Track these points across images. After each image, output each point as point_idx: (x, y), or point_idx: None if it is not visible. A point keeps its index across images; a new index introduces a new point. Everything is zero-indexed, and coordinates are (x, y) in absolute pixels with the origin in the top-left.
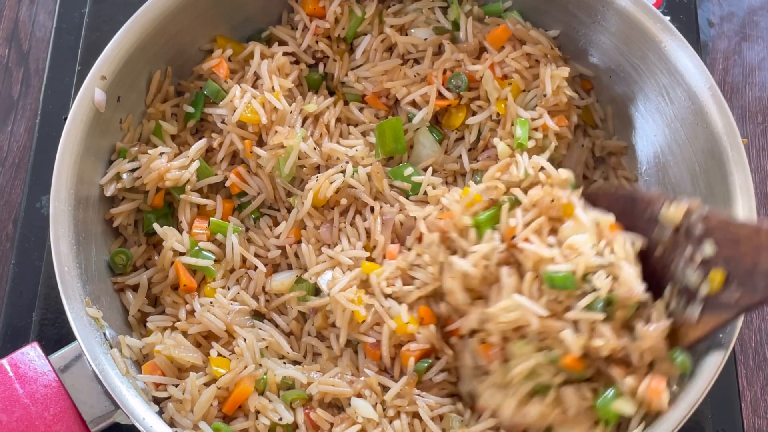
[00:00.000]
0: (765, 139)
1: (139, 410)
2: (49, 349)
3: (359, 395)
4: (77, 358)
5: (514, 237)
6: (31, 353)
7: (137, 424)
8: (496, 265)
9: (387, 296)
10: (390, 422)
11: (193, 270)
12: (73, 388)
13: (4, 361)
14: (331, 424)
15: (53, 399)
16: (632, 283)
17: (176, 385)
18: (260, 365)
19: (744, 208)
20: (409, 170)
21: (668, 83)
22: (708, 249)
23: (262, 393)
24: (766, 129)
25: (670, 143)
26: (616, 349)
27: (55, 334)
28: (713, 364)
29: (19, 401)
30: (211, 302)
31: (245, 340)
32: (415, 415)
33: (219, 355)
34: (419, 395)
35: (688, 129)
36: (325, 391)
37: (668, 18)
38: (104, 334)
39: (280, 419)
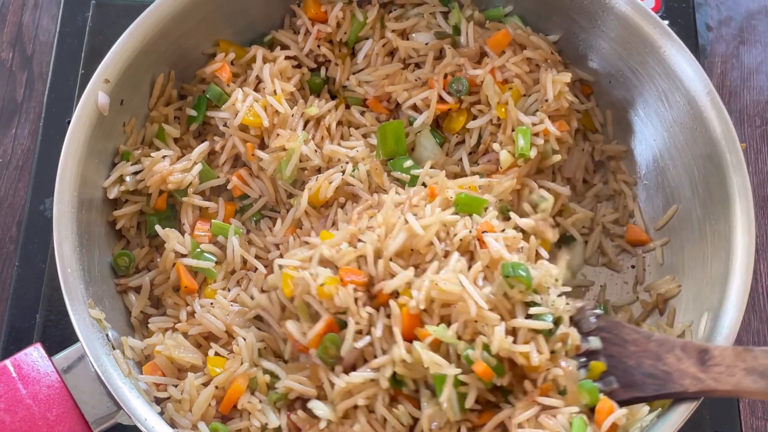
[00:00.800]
0: (763, 142)
1: (141, 411)
2: (52, 350)
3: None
4: (80, 359)
5: (485, 232)
6: (35, 354)
7: (139, 425)
8: (450, 243)
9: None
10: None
11: (194, 272)
12: (76, 389)
13: (8, 362)
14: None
15: (56, 400)
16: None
17: (175, 386)
18: (255, 365)
19: (742, 211)
20: (408, 162)
21: (667, 88)
22: (594, 342)
23: (254, 393)
24: (764, 132)
25: (669, 147)
26: (540, 368)
27: (59, 336)
28: None
29: (22, 402)
30: (212, 303)
31: (245, 339)
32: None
33: (217, 354)
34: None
35: (687, 133)
36: (290, 387)
37: (667, 22)
38: (107, 335)
39: (266, 424)
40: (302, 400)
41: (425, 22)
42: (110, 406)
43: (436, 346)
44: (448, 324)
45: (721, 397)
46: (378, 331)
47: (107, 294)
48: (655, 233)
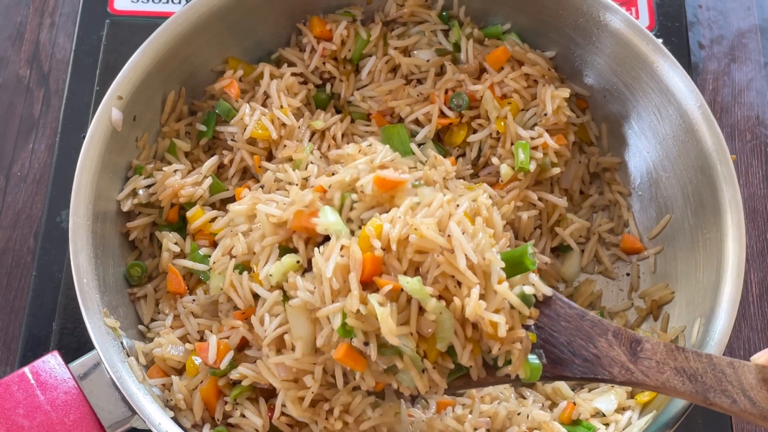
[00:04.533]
0: (753, 156)
1: (155, 416)
2: (68, 358)
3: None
4: (96, 366)
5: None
6: (52, 361)
7: (153, 429)
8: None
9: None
10: None
11: (194, 275)
12: (92, 395)
13: (26, 369)
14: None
15: (73, 405)
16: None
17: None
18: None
19: (733, 221)
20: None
21: (660, 102)
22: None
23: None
24: (755, 147)
25: (662, 159)
26: (502, 340)
27: (75, 343)
28: None
29: (40, 407)
30: (193, 300)
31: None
32: None
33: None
34: None
35: (680, 146)
36: (244, 374)
37: (661, 40)
38: (121, 342)
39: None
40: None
41: (426, 40)
42: (125, 411)
43: (394, 295)
44: (415, 273)
45: (649, 390)
46: (328, 271)
47: (121, 303)
48: (649, 242)
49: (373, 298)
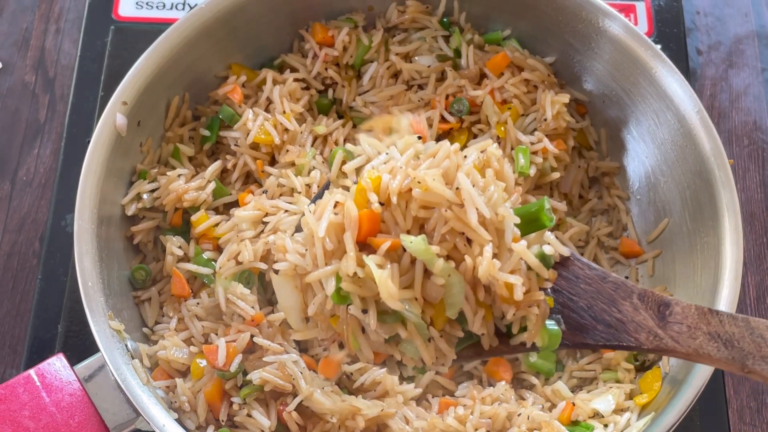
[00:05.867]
0: (750, 161)
1: (159, 418)
2: (73, 360)
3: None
4: (101, 368)
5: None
6: (57, 364)
7: (157, 431)
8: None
9: None
10: None
11: (198, 278)
12: (97, 397)
13: (32, 372)
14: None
15: (78, 407)
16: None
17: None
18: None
19: (730, 224)
20: None
21: (659, 108)
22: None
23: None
24: (752, 151)
25: (660, 164)
26: (518, 304)
27: (80, 346)
28: (702, 374)
29: (45, 409)
30: (197, 303)
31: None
32: None
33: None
34: None
35: (678, 151)
36: (265, 380)
37: (659, 46)
38: (126, 345)
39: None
40: (289, 394)
41: (427, 46)
42: (130, 413)
43: (395, 256)
44: (419, 231)
45: (679, 358)
46: (321, 230)
47: (126, 306)
48: (647, 246)
49: (371, 260)
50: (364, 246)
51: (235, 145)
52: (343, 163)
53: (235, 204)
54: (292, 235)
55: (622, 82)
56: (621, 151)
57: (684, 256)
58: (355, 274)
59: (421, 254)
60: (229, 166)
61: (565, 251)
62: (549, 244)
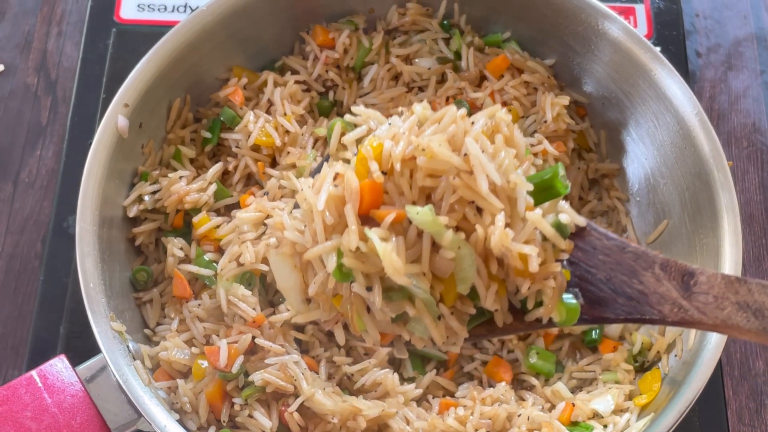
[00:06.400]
0: (750, 162)
1: (161, 418)
2: (75, 361)
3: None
4: (102, 369)
5: None
6: (59, 365)
7: None
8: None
9: None
10: None
11: (199, 280)
12: (99, 398)
13: (34, 373)
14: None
15: (80, 408)
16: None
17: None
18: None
19: (729, 225)
20: None
21: (658, 110)
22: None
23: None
24: (751, 153)
25: (659, 166)
26: (533, 276)
27: (82, 347)
28: (701, 375)
29: (47, 410)
30: (199, 304)
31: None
32: None
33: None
34: None
35: (677, 152)
36: (267, 381)
37: (658, 49)
38: (127, 346)
39: None
40: (291, 395)
41: (428, 48)
42: (131, 414)
43: (400, 228)
44: (426, 201)
45: (705, 330)
46: (320, 203)
47: (127, 307)
48: (647, 247)
49: (373, 233)
50: (367, 219)
51: (237, 147)
52: (343, 134)
53: (237, 206)
54: (290, 212)
55: (622, 84)
56: (620, 152)
57: (683, 258)
58: (357, 248)
59: (428, 226)
60: (231, 167)
61: (581, 221)
62: (564, 213)
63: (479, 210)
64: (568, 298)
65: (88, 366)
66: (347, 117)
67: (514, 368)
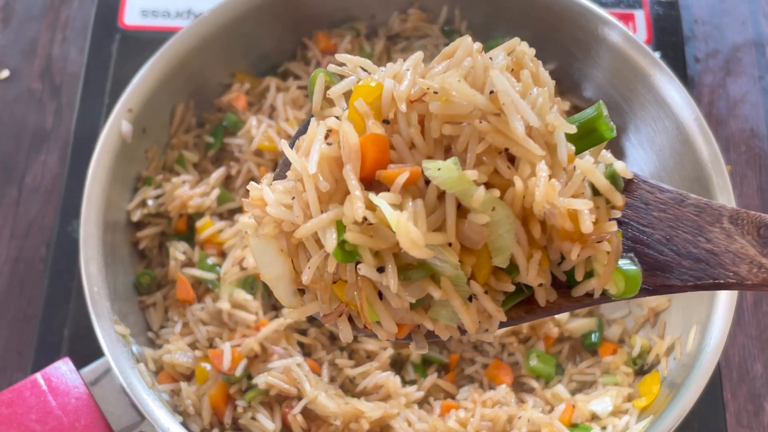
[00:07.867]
0: (748, 167)
1: (164, 421)
2: (79, 364)
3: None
4: (106, 372)
5: None
6: (63, 368)
7: None
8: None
9: None
10: None
11: (202, 283)
12: (103, 400)
13: (38, 375)
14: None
15: (84, 410)
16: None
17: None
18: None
19: None
20: None
21: (657, 115)
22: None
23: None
24: (749, 158)
25: (659, 170)
26: (583, 238)
27: (86, 350)
28: (700, 378)
29: (52, 413)
30: (202, 308)
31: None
32: None
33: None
34: None
35: (676, 157)
36: (271, 384)
37: (657, 54)
38: (131, 349)
39: None
40: (294, 398)
41: (429, 53)
42: (135, 416)
43: (415, 191)
44: (445, 156)
45: None
46: (311, 165)
47: (131, 310)
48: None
49: (382, 199)
50: (371, 183)
51: (239, 151)
52: (327, 89)
53: (239, 210)
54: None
55: (621, 89)
56: (620, 157)
57: None
58: (363, 219)
59: (453, 184)
60: (233, 172)
61: (628, 172)
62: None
63: (511, 160)
64: (625, 263)
65: (92, 369)
66: (331, 67)
67: (514, 371)
